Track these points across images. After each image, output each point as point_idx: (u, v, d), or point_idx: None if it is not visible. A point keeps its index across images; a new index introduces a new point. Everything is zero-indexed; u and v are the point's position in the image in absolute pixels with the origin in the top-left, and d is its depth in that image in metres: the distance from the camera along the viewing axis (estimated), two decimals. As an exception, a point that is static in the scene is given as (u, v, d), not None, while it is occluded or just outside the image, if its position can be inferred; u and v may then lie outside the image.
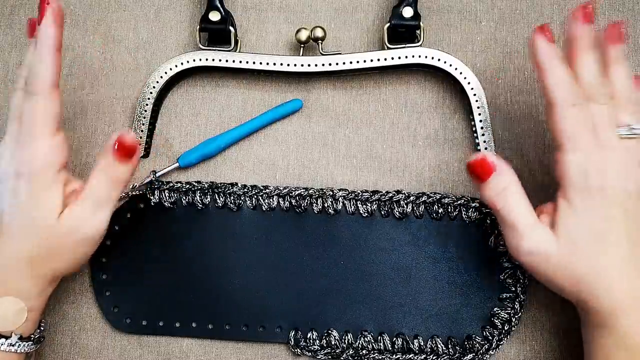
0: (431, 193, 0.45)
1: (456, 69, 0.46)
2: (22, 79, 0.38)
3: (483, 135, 0.46)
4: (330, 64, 0.46)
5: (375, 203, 0.46)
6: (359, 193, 0.46)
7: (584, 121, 0.36)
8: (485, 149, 0.46)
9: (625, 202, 0.36)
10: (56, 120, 0.37)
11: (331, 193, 0.46)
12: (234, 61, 0.47)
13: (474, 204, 0.45)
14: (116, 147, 0.37)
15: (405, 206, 0.45)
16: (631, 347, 0.35)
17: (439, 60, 0.46)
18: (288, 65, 0.47)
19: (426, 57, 0.46)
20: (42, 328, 0.40)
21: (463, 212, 0.45)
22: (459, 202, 0.45)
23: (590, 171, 0.36)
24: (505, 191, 0.37)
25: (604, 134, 0.36)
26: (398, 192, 0.46)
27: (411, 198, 0.45)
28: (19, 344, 0.38)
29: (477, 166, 0.37)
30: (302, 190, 0.46)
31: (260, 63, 0.47)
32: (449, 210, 0.45)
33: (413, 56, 0.46)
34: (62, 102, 0.38)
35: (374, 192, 0.46)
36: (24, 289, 0.38)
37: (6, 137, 0.38)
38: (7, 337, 0.37)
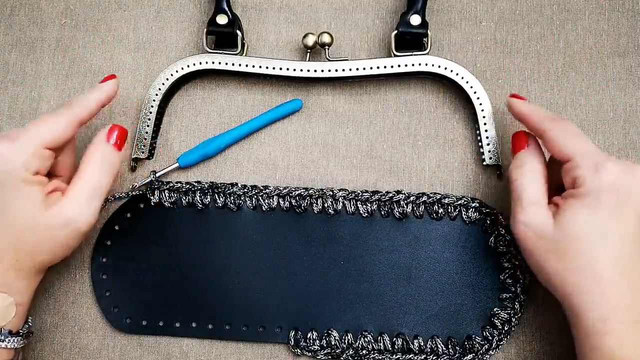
0: (431, 193, 0.45)
1: (462, 77, 0.46)
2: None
3: (488, 145, 0.46)
4: (337, 70, 0.46)
5: (375, 203, 0.46)
6: (359, 193, 0.46)
7: (576, 130, 0.38)
8: (490, 159, 0.46)
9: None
10: (56, 141, 0.39)
11: (331, 193, 0.46)
12: (240, 65, 0.47)
13: (474, 204, 0.45)
14: (111, 133, 0.41)
15: (405, 206, 0.45)
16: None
17: (445, 69, 0.46)
18: (295, 70, 0.46)
19: (432, 65, 0.46)
20: (29, 324, 0.41)
21: (463, 212, 0.45)
22: (459, 202, 0.45)
23: (602, 171, 0.36)
24: (524, 167, 0.40)
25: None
26: (398, 192, 0.46)
27: (411, 198, 0.45)
28: (9, 339, 0.38)
29: (514, 138, 0.42)
30: (302, 190, 0.46)
31: (267, 67, 0.46)
32: (449, 210, 0.45)
33: (420, 64, 0.46)
34: (74, 144, 0.43)
35: (374, 192, 0.46)
36: (11, 284, 0.38)
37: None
38: None
